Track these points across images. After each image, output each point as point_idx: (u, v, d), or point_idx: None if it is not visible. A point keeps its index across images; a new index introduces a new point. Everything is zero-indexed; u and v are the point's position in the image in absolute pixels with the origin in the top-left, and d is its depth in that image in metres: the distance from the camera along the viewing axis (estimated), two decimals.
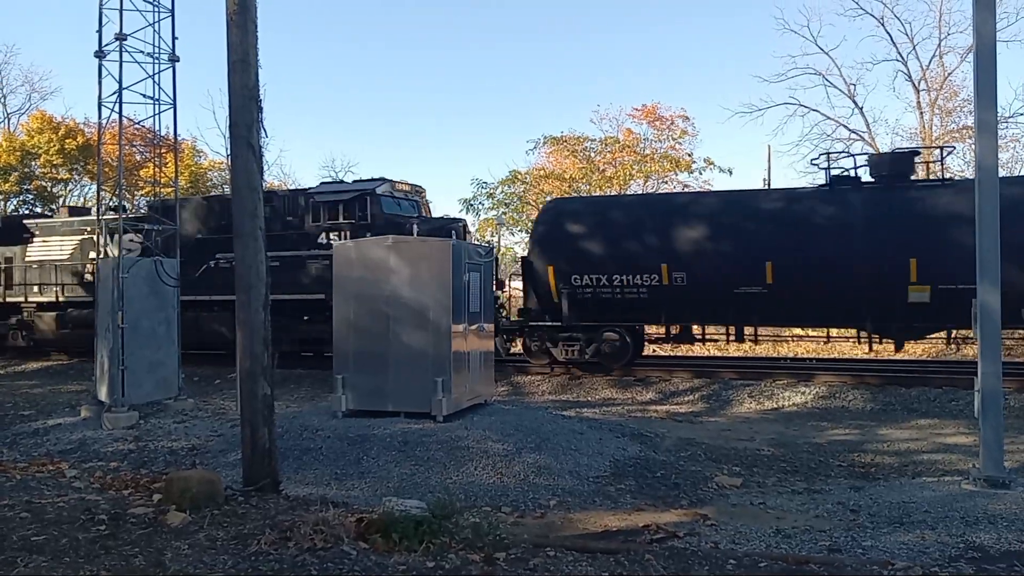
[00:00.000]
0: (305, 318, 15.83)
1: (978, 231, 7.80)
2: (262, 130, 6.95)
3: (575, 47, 68.12)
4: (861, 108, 32.52)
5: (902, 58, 31.60)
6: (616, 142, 33.20)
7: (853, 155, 15.52)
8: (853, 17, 32.91)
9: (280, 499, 6.26)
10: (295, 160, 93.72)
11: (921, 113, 31.66)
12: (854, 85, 32.00)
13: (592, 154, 33.01)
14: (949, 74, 30.53)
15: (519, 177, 34.33)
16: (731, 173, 33.53)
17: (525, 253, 17.81)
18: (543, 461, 8.26)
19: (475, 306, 10.26)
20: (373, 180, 16.76)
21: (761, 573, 4.92)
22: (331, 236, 16.05)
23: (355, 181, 17.38)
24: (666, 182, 33.10)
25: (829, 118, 32.36)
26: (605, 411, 13.04)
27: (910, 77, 31.83)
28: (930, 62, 31.41)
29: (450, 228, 16.26)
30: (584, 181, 32.22)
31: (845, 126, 31.99)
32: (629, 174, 31.80)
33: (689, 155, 32.56)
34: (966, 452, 9.09)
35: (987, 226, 7.73)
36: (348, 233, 15.49)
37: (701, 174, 32.78)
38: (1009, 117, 30.20)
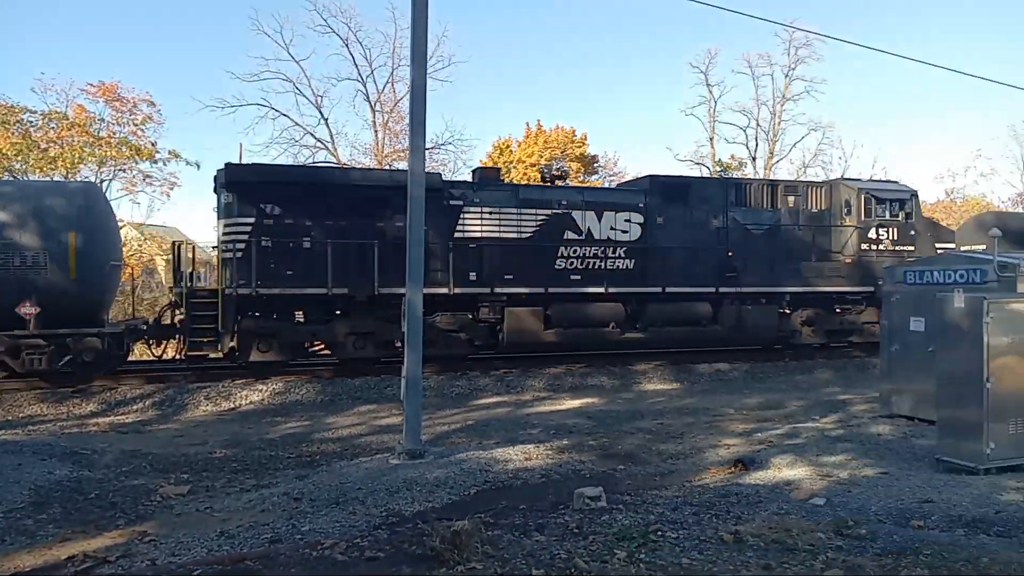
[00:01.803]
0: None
1: (408, 238, 9.01)
2: None
3: None
4: (327, 119, 34.87)
5: (362, 79, 34.98)
6: (64, 119, 28.74)
7: None
8: (323, 33, 35.07)
9: None
10: None
11: (376, 131, 35.49)
12: (321, 97, 34.25)
13: (32, 129, 27.92)
14: (399, 100, 34.88)
15: None
16: (199, 167, 32.20)
17: None
18: None
19: None
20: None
21: None
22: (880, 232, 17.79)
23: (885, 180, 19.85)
24: (124, 170, 30.03)
25: (298, 124, 33.81)
26: (31, 431, 11.15)
27: (368, 97, 35.39)
28: (384, 87, 35.44)
29: None
30: (19, 159, 27.00)
31: (312, 134, 33.92)
32: (79, 157, 27.83)
33: (153, 144, 30.17)
34: (397, 431, 10.39)
35: (415, 234, 8.97)
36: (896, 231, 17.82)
37: (165, 165, 30.70)
38: (441, 144, 36.09)
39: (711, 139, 46.58)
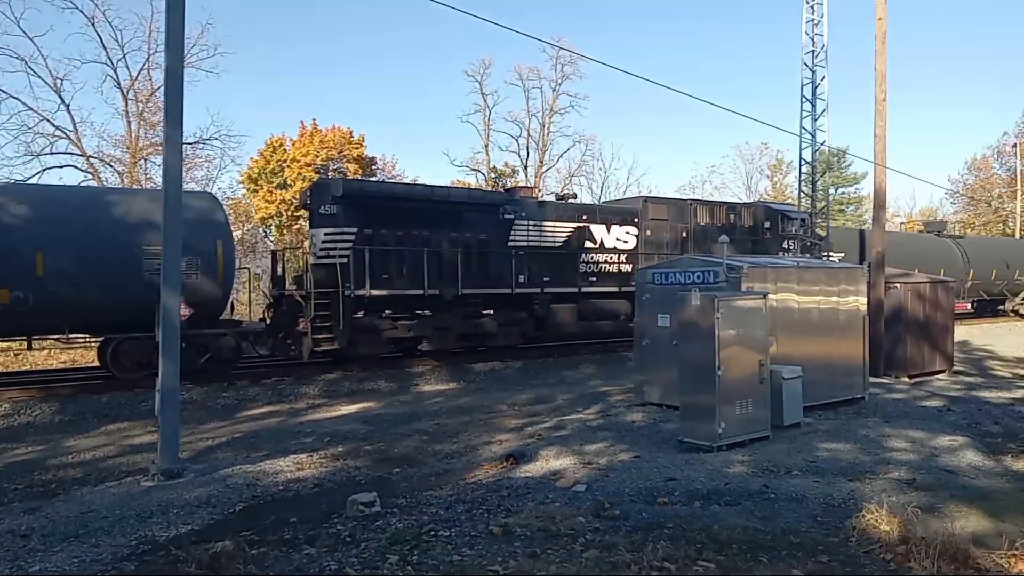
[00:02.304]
0: None
1: (164, 239, 8.29)
2: None
3: None
4: (68, 105, 30.81)
5: (112, 63, 31.32)
6: None
7: None
8: (62, 9, 30.99)
9: None
10: None
11: (129, 121, 32.06)
12: (61, 80, 30.13)
13: None
14: (156, 89, 31.40)
15: None
16: None
17: None
18: None
19: None
20: None
21: None
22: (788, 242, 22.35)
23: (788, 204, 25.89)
24: None
25: (32, 109, 29.58)
26: None
27: (119, 84, 31.85)
28: (139, 73, 32.05)
29: None
30: None
31: (50, 121, 29.79)
32: None
33: None
34: (152, 450, 9.48)
35: (171, 234, 8.28)
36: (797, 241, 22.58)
37: None
38: (206, 139, 33.53)
39: (486, 146, 48.12)
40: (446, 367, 16.85)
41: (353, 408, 13.26)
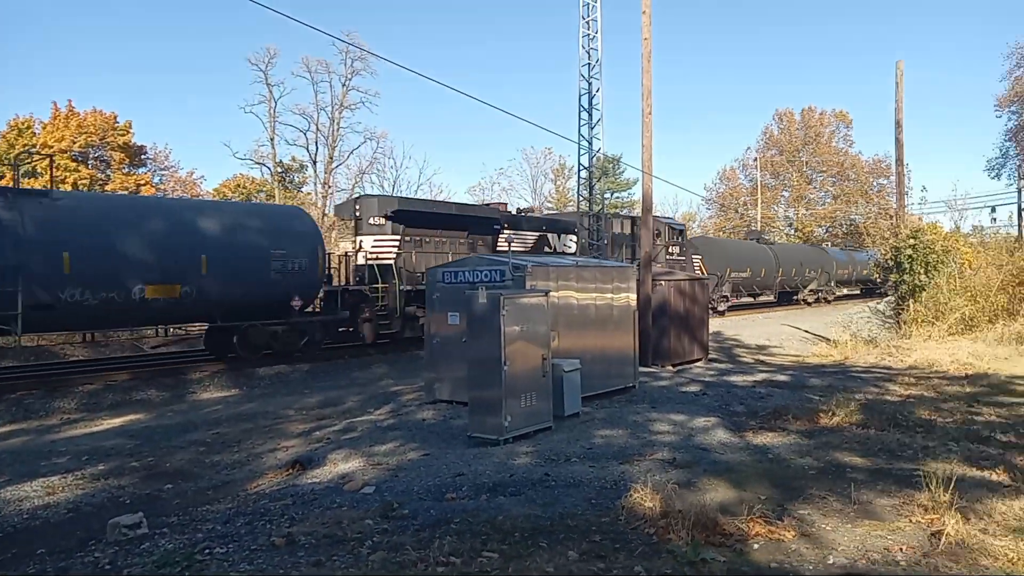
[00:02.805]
0: None
1: None
2: None
3: None
4: None
5: None
6: None
7: None
8: None
9: None
10: None
11: None
12: None
13: None
14: None
15: None
16: None
17: None
18: None
19: None
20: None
21: None
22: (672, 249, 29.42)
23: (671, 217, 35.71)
24: None
25: None
26: None
27: None
28: None
29: None
30: None
31: None
32: None
33: None
34: None
35: None
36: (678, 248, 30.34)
37: None
38: None
39: (272, 139, 45.95)
40: (228, 372, 15.90)
41: (118, 421, 12.08)
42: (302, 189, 51.51)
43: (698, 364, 17.10)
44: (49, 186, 21.58)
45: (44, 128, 39.87)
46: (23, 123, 40.12)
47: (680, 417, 10.12)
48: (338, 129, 46.60)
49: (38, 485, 7.60)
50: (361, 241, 20.15)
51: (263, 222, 17.61)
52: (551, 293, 10.24)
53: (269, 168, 46.79)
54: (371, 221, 20.01)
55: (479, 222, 22.40)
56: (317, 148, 46.59)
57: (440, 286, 12.06)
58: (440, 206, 23.91)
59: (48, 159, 29.92)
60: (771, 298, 42.93)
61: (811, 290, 42.20)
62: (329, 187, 47.08)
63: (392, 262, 19.61)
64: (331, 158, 46.74)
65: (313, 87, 47.58)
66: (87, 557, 5.38)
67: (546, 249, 24.08)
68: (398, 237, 20.04)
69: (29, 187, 26.55)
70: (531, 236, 24.17)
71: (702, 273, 31.94)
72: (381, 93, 66.29)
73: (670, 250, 29.53)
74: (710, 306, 35.74)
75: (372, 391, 14.39)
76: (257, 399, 14.19)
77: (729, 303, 35.42)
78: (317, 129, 46.11)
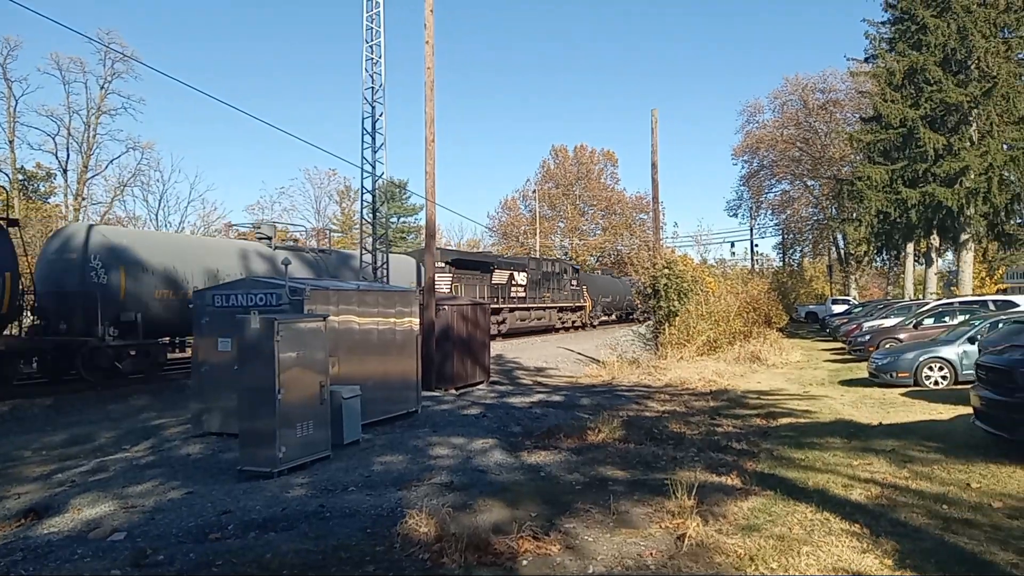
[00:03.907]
0: None
1: None
2: None
3: None
4: None
5: None
6: None
7: None
8: None
9: None
10: None
11: None
12: None
13: None
14: None
15: None
16: None
17: None
18: None
19: None
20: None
21: None
22: (572, 282, 43.03)
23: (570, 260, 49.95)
24: None
25: None
26: None
27: None
28: None
29: None
30: None
31: None
32: None
33: None
34: None
35: None
36: (576, 281, 43.71)
37: None
38: None
39: (11, 142, 40.48)
40: None
41: None
42: (49, 200, 45.82)
43: (480, 387, 17.57)
44: None
45: None
46: None
47: (460, 440, 10.32)
48: (95, 135, 42.23)
49: None
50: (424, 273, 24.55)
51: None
52: (331, 317, 10.02)
53: (6, 174, 41.12)
54: (439, 266, 28.51)
55: (485, 264, 34.28)
56: (68, 155, 41.82)
57: (210, 309, 11.29)
58: (475, 254, 39.76)
59: None
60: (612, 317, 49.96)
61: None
62: (83, 199, 42.32)
63: (447, 290, 29.13)
64: (85, 167, 42.19)
65: (65, 87, 42.79)
66: None
67: (512, 282, 36.04)
68: (451, 273, 30.98)
69: None
70: (505, 273, 35.44)
71: (588, 300, 43.86)
72: (147, 100, 61.23)
73: (572, 283, 42.40)
74: (583, 322, 43.63)
75: (130, 425, 13.04)
76: None
77: (600, 319, 46.71)
78: (69, 134, 41.47)
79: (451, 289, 29.78)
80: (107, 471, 9.08)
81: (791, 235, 66.54)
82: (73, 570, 5.42)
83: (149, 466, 9.24)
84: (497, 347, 25.01)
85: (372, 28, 22.47)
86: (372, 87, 22.56)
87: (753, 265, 60.36)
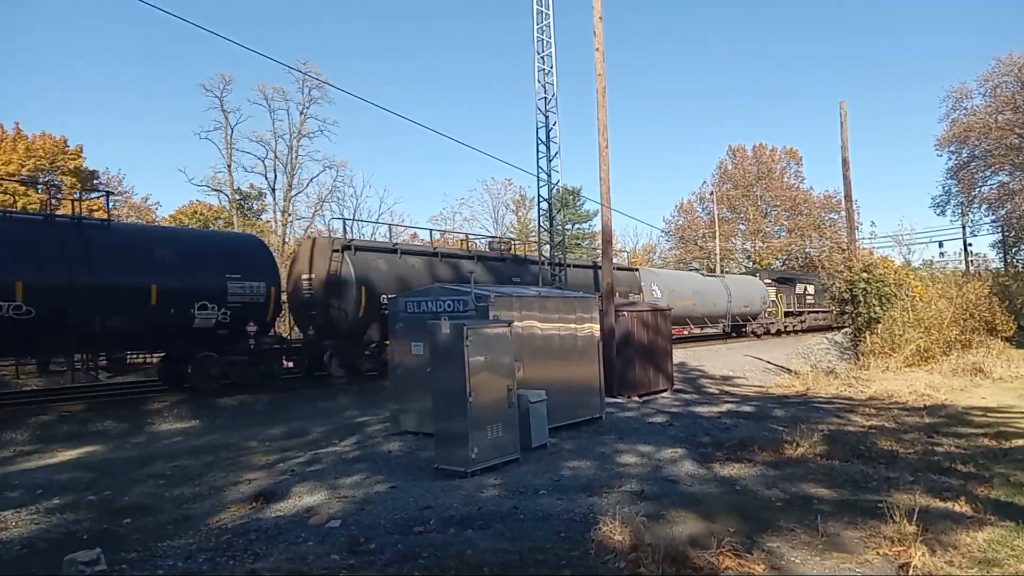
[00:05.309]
0: None
1: None
2: None
3: None
4: None
5: None
6: None
7: None
8: None
9: None
10: None
11: None
12: None
13: None
14: None
15: None
16: None
17: None
18: None
19: None
20: None
21: None
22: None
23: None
24: None
25: None
26: None
27: None
28: None
29: None
30: None
31: None
32: None
33: None
34: None
35: None
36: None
37: None
38: None
39: (229, 166, 45.41)
40: (188, 403, 15.53)
41: (74, 453, 11.68)
42: (260, 216, 51.00)
43: (664, 395, 17.22)
44: None
45: None
46: None
47: (647, 448, 10.16)
48: (296, 157, 46.33)
49: None
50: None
51: None
52: (515, 323, 10.25)
53: (227, 195, 46.21)
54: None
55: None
56: (276, 176, 46.23)
57: (403, 315, 11.97)
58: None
59: None
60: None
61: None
62: (289, 215, 46.64)
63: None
64: (290, 185, 46.37)
65: (270, 115, 47.15)
66: None
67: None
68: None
69: None
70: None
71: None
72: (340, 122, 66.39)
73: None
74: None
75: (337, 422, 14.18)
76: (219, 430, 13.86)
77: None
78: (275, 157, 45.79)
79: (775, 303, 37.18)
80: (320, 463, 9.89)
81: (1013, 232, 59.09)
82: (298, 552, 5.94)
83: (356, 460, 9.95)
84: (679, 354, 24.37)
85: (543, 40, 22.82)
86: (545, 97, 22.90)
87: (968, 267, 54.26)
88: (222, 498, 8.40)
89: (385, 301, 19.22)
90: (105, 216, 18.11)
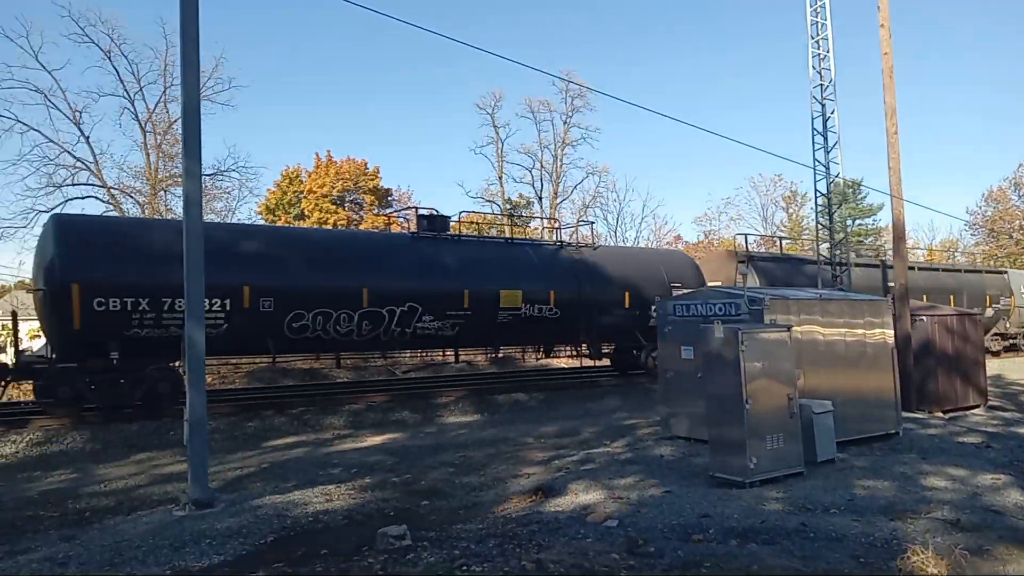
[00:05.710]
0: None
1: (186, 271, 8.26)
2: None
3: None
4: (88, 137, 31.46)
5: (128, 96, 31.89)
6: None
7: None
8: (79, 43, 31.44)
9: None
10: None
11: (147, 153, 32.53)
12: (80, 112, 30.66)
13: None
14: (174, 122, 31.54)
15: None
16: None
17: None
18: None
19: None
20: None
21: None
22: None
23: None
24: None
25: (53, 141, 30.20)
26: None
27: (137, 116, 32.39)
28: (156, 106, 32.56)
29: None
30: None
31: (71, 153, 30.38)
32: None
33: None
34: (182, 479, 9.49)
35: (193, 266, 8.28)
36: None
37: None
38: (224, 171, 34.00)
39: (500, 178, 48.35)
40: (470, 398, 16.82)
41: (379, 439, 13.23)
42: (530, 224, 53.68)
43: (976, 412, 15.04)
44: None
45: (309, 176, 45.40)
46: (293, 173, 46.06)
47: (960, 472, 8.92)
48: (561, 165, 47.99)
49: (318, 492, 8.52)
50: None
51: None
52: (793, 328, 9.60)
53: (499, 205, 49.26)
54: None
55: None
56: (542, 184, 48.28)
57: (672, 319, 11.81)
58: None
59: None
60: None
61: None
62: (555, 221, 48.51)
63: None
64: (555, 193, 48.17)
65: (536, 127, 49.50)
66: (362, 562, 5.90)
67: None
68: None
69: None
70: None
71: None
72: (602, 128, 67.44)
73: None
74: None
75: (607, 423, 14.41)
76: (498, 425, 14.82)
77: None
78: (541, 166, 47.83)
79: None
80: (593, 462, 10.10)
81: None
82: (579, 547, 6.11)
83: (628, 462, 10.01)
84: (993, 365, 21.08)
85: (817, 23, 21.13)
86: (821, 84, 21.20)
87: None
88: (504, 489, 8.93)
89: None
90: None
